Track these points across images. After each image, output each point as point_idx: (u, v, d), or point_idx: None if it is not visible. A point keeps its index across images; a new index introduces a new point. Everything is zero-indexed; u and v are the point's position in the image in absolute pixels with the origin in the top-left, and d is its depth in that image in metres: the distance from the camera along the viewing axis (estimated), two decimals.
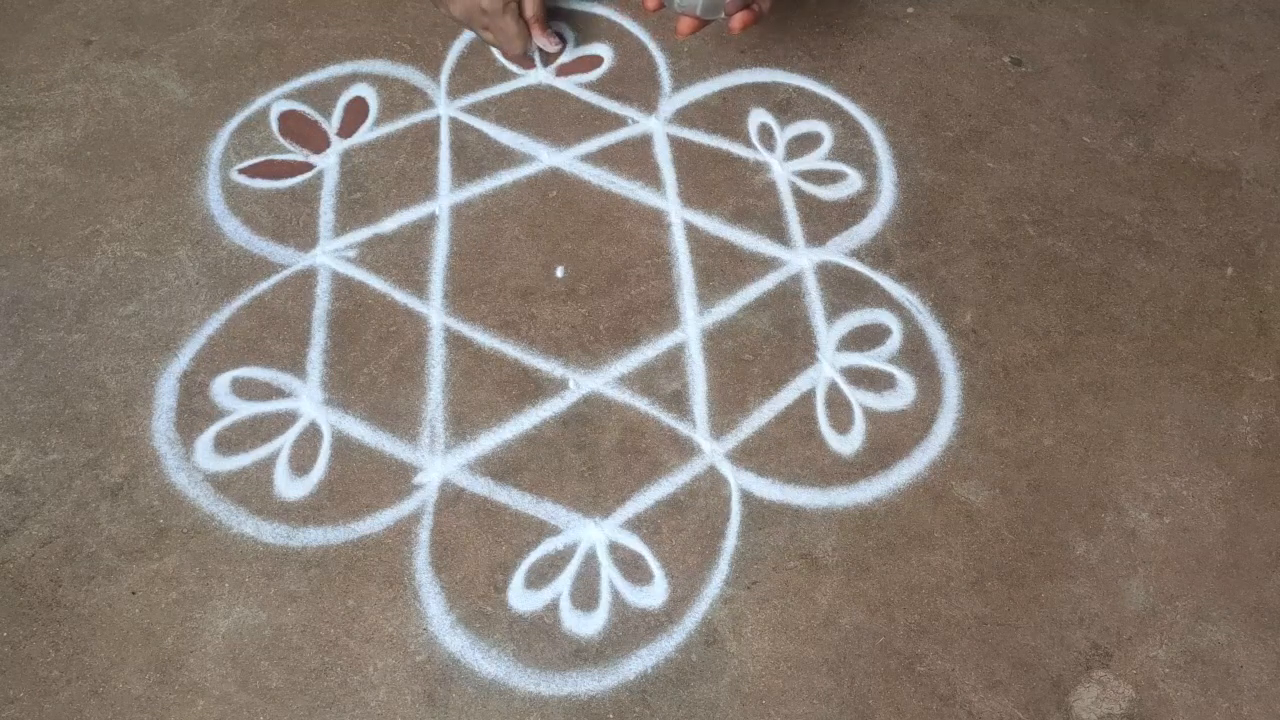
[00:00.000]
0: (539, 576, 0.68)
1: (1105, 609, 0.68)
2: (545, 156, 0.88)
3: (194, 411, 0.74)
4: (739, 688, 0.65)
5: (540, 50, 0.91)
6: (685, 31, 0.81)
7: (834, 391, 0.76)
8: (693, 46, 0.90)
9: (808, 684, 0.65)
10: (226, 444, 0.73)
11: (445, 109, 0.90)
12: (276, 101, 0.90)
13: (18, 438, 0.73)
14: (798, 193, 0.86)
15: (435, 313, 0.79)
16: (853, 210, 0.85)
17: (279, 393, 0.75)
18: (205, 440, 0.73)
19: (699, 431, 0.74)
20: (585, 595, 0.68)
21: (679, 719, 0.64)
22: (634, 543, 0.70)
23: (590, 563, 0.69)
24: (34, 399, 0.75)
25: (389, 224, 0.84)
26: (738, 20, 0.78)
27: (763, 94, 0.92)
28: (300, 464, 0.72)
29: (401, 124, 0.89)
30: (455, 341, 0.78)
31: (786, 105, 0.91)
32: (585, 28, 0.96)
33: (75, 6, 0.97)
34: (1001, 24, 0.98)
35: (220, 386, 0.75)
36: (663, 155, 0.88)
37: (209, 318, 0.78)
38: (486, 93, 0.91)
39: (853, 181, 0.87)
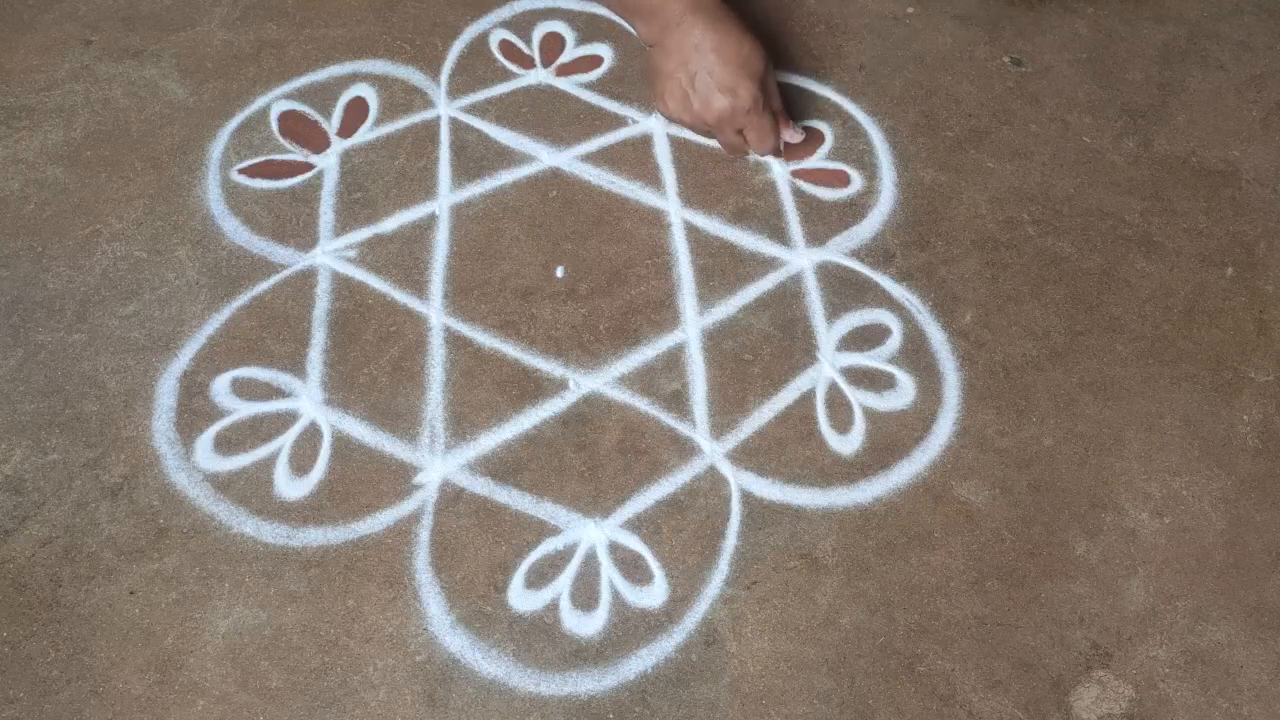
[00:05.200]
0: (539, 576, 0.68)
1: (1105, 609, 0.68)
2: (545, 156, 0.88)
3: (194, 411, 0.74)
4: (739, 688, 0.65)
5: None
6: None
7: (834, 391, 0.76)
8: None
9: (808, 684, 0.65)
10: (226, 444, 0.73)
11: (445, 109, 0.90)
12: (276, 101, 0.90)
13: (18, 438, 0.73)
14: (798, 193, 0.86)
15: (435, 313, 0.79)
16: (853, 210, 0.85)
17: (279, 393, 0.75)
18: (205, 440, 0.73)
19: (699, 431, 0.74)
20: (585, 595, 0.68)
21: (679, 719, 0.64)
22: (634, 543, 0.70)
23: (590, 563, 0.69)
24: (34, 399, 0.75)
25: (389, 224, 0.84)
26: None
27: None
28: (300, 464, 0.72)
29: (401, 124, 0.89)
30: (455, 341, 0.78)
31: (786, 105, 0.91)
32: (585, 28, 0.96)
33: (75, 6, 0.97)
34: (1001, 24, 0.98)
35: (220, 386, 0.75)
36: (663, 155, 0.88)
37: (209, 318, 0.78)
38: (486, 93, 0.91)
39: (853, 181, 0.87)
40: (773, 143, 0.84)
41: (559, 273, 0.81)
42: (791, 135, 0.85)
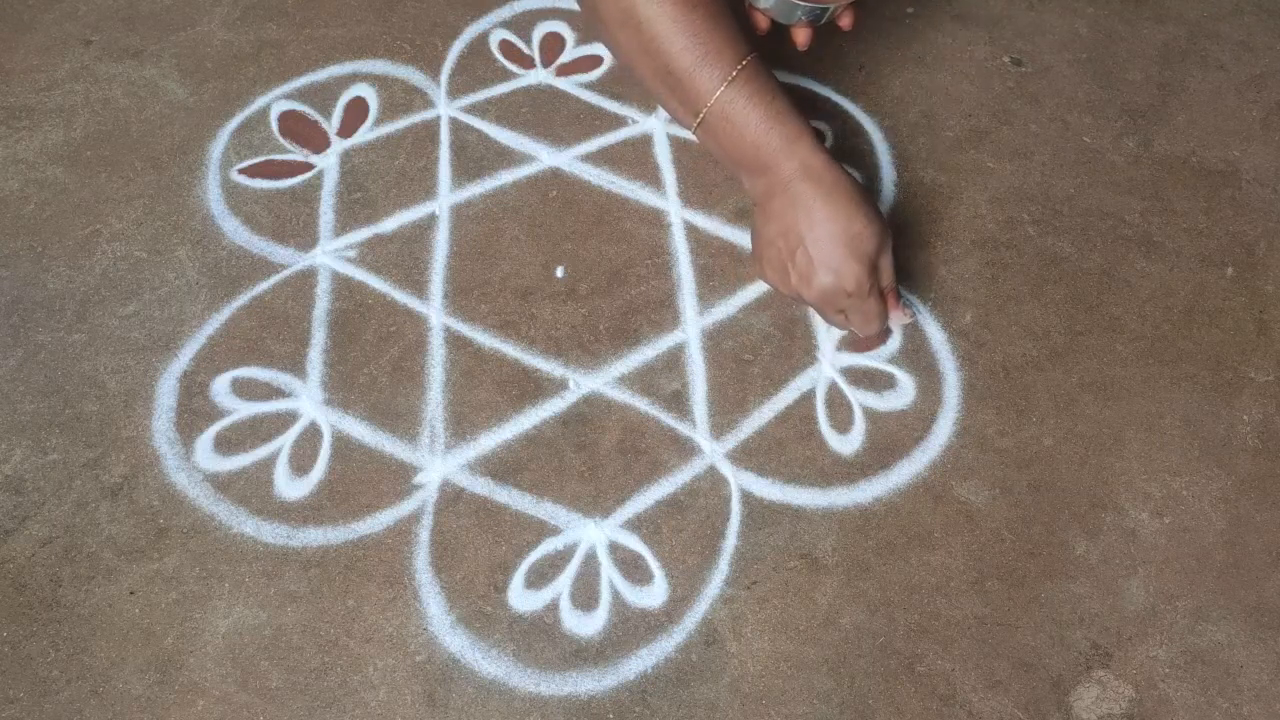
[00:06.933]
0: (539, 576, 0.68)
1: (1105, 609, 0.68)
2: (545, 156, 0.88)
3: (194, 411, 0.74)
4: (739, 688, 0.65)
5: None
6: (804, 43, 0.78)
7: (834, 391, 0.76)
8: None
9: (808, 684, 0.65)
10: (226, 444, 0.73)
11: (445, 109, 0.90)
12: (276, 101, 0.90)
13: (18, 438, 0.73)
14: None
15: (435, 313, 0.79)
16: None
17: (279, 393, 0.75)
18: (205, 440, 0.73)
19: (699, 431, 0.74)
20: (585, 595, 0.68)
21: (679, 719, 0.64)
22: (634, 543, 0.70)
23: (590, 563, 0.69)
24: (34, 399, 0.75)
25: (389, 224, 0.84)
26: (848, 19, 0.77)
27: None
28: (300, 464, 0.72)
29: (401, 124, 0.89)
30: (455, 341, 0.78)
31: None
32: (585, 28, 0.96)
33: (75, 6, 0.97)
34: (1001, 24, 0.98)
35: (220, 386, 0.75)
36: (663, 155, 0.88)
37: (209, 318, 0.78)
38: (486, 93, 0.91)
39: None
40: (878, 327, 0.75)
41: (559, 273, 0.81)
42: (902, 318, 0.76)
